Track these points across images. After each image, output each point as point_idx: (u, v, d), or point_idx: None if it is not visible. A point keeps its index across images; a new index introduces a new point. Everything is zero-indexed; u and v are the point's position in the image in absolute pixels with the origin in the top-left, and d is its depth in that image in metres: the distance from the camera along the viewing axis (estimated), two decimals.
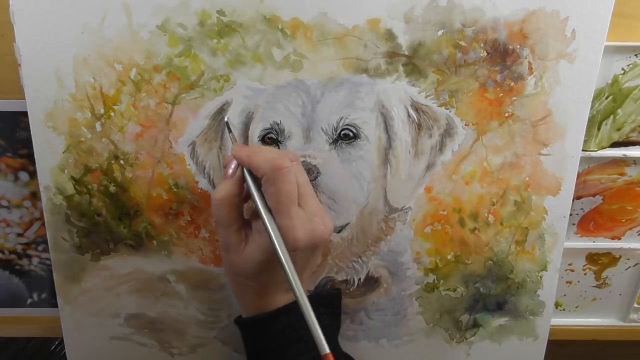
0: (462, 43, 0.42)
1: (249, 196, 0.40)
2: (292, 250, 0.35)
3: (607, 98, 0.47)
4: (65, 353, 0.52)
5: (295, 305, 0.39)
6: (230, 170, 0.39)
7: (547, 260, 0.49)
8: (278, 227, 0.36)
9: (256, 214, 0.39)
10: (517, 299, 0.50)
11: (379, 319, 0.51)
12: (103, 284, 0.49)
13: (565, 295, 0.56)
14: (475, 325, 0.51)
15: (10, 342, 0.67)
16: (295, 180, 0.37)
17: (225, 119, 0.44)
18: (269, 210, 0.37)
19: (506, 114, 0.44)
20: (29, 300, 0.56)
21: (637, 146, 0.49)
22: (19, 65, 0.43)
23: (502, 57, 0.43)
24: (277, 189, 0.36)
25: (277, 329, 0.39)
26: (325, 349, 0.32)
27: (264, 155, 0.37)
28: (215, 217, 0.39)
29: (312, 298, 0.40)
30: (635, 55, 0.46)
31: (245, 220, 0.40)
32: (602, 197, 0.51)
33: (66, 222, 0.47)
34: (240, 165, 0.39)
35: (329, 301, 0.45)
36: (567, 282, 0.56)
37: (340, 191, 0.45)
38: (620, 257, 0.54)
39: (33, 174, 0.50)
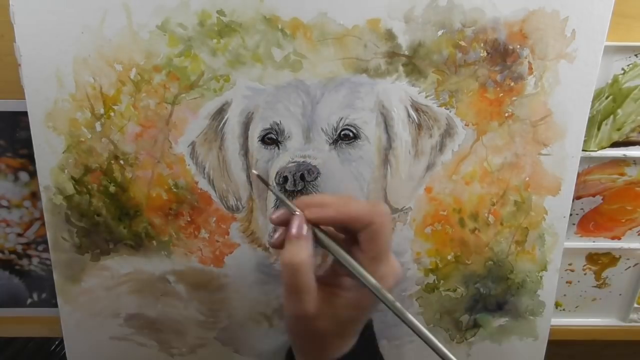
0: (462, 43, 0.42)
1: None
2: None
3: (607, 98, 0.47)
4: (65, 353, 0.52)
5: (353, 356, 0.36)
6: (295, 230, 0.33)
7: (547, 260, 0.49)
8: (376, 277, 0.32)
9: (336, 271, 0.36)
10: (517, 299, 0.50)
11: (379, 319, 0.51)
12: (103, 284, 0.49)
13: (565, 295, 0.56)
14: (476, 325, 0.51)
15: (10, 342, 0.67)
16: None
17: (255, 172, 0.40)
18: (358, 263, 0.33)
19: (506, 114, 0.44)
20: (29, 300, 0.56)
21: (637, 146, 0.49)
22: (19, 65, 0.43)
23: (502, 57, 0.43)
24: (384, 236, 0.33)
25: None
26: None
27: (360, 205, 0.33)
28: (292, 284, 0.32)
29: (361, 344, 0.37)
30: (635, 55, 0.46)
31: (316, 280, 0.34)
32: (602, 197, 0.51)
33: (66, 222, 0.47)
34: (306, 220, 0.33)
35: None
36: (567, 282, 0.56)
37: (340, 191, 0.45)
38: (620, 257, 0.54)
39: (33, 174, 0.50)
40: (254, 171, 0.41)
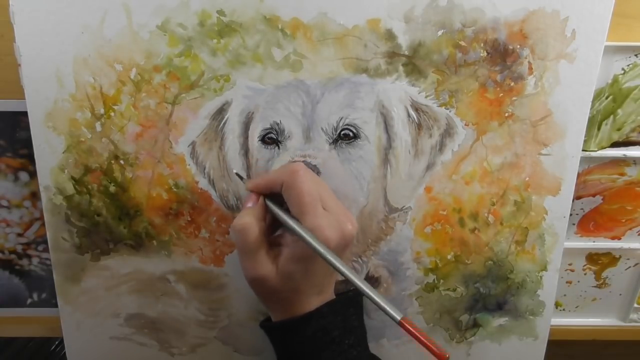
0: (462, 43, 0.42)
1: (269, 223, 0.41)
2: None
3: (607, 98, 0.47)
4: (65, 353, 0.52)
5: (326, 308, 0.39)
6: (251, 203, 0.40)
7: (547, 260, 0.49)
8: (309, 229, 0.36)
9: (279, 230, 0.41)
10: (517, 299, 0.50)
11: (379, 318, 0.51)
12: (103, 284, 0.49)
13: (565, 295, 0.56)
14: (475, 325, 0.51)
15: (10, 342, 0.67)
16: (313, 181, 0.38)
17: (234, 170, 0.45)
18: (296, 218, 0.37)
19: (506, 114, 0.44)
20: (29, 300, 0.56)
21: (637, 146, 0.49)
22: (19, 65, 0.43)
23: (502, 57, 0.43)
24: (299, 190, 0.37)
25: (308, 332, 0.39)
26: (397, 316, 0.34)
27: (277, 169, 0.40)
28: (242, 243, 0.38)
29: (340, 300, 0.40)
30: (635, 55, 0.46)
31: (268, 243, 0.39)
32: (602, 197, 0.51)
33: (66, 222, 0.47)
34: (258, 195, 0.40)
35: (356, 302, 0.44)
36: (567, 282, 0.56)
37: (340, 191, 0.45)
38: (620, 257, 0.54)
39: (33, 174, 0.50)
40: (234, 170, 0.45)
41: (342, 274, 0.35)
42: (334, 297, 0.41)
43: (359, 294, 0.45)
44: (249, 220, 0.38)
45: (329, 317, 0.39)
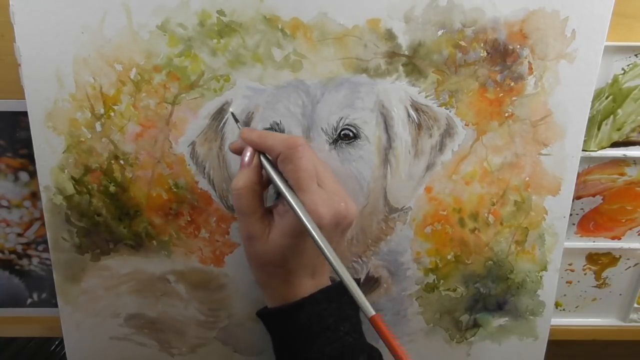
0: (462, 43, 0.42)
1: (267, 184, 0.41)
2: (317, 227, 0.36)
3: (607, 98, 0.47)
4: (65, 353, 0.52)
5: (320, 294, 0.39)
6: (247, 159, 0.39)
7: (547, 260, 0.49)
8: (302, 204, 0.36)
9: (276, 199, 0.41)
10: (517, 299, 0.50)
11: None
12: (103, 284, 0.49)
13: (565, 295, 0.56)
14: (475, 325, 0.51)
15: (10, 342, 0.67)
16: (311, 158, 0.37)
17: (230, 109, 0.44)
18: (292, 189, 0.37)
19: (506, 114, 0.44)
20: (29, 300, 0.56)
21: (637, 146, 0.49)
22: (19, 65, 0.43)
23: (502, 57, 0.43)
24: (295, 165, 0.37)
25: (303, 319, 0.39)
26: (371, 311, 0.34)
27: (276, 136, 0.39)
28: (237, 207, 0.39)
29: (335, 287, 0.40)
30: (635, 55, 0.46)
31: (266, 208, 0.40)
32: (602, 197, 0.51)
33: (66, 222, 0.47)
34: (255, 152, 0.39)
35: None
36: (567, 282, 0.56)
37: None
38: (620, 257, 0.54)
39: (33, 174, 0.50)
40: (230, 110, 0.44)
41: (325, 255, 0.35)
42: (330, 283, 0.41)
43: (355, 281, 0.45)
44: (243, 184, 0.38)
45: (323, 303, 0.39)
